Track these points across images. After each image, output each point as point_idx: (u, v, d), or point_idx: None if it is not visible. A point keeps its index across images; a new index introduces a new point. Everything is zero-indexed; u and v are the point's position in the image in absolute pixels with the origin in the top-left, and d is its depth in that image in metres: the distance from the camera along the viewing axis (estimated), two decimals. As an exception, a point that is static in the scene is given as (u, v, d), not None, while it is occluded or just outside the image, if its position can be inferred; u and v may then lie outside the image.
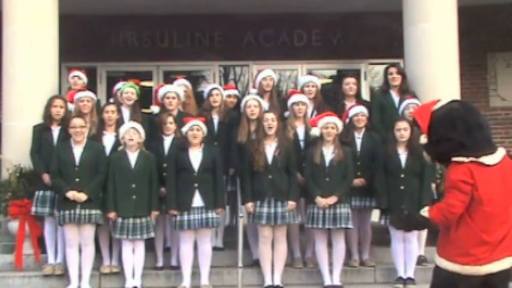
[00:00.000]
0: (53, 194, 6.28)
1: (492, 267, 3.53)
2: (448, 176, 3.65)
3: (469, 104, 3.76)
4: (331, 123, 6.18)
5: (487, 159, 3.56)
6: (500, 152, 3.64)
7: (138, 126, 6.25)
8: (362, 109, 6.61)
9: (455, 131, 3.59)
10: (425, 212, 3.72)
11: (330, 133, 6.16)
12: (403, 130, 6.18)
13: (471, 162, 3.54)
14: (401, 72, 7.11)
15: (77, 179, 6.04)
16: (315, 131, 6.27)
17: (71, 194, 5.97)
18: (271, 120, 6.17)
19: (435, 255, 3.71)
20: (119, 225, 6.07)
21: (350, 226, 6.19)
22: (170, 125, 6.42)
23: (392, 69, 7.09)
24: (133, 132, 6.18)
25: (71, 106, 6.68)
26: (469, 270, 3.53)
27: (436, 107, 3.72)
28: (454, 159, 3.58)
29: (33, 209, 6.37)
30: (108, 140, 6.46)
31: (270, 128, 6.16)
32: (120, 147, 6.31)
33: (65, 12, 7.36)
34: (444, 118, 3.64)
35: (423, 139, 3.76)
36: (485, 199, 3.52)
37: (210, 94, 6.92)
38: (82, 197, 5.98)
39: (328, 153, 6.19)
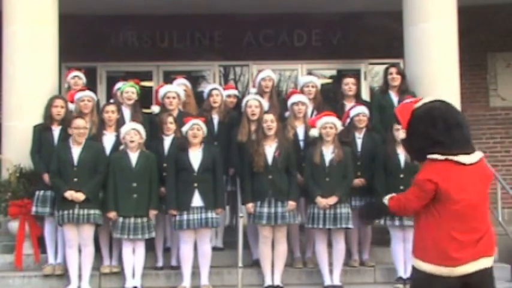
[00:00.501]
0: (53, 194, 6.28)
1: (467, 268, 3.51)
2: (418, 172, 3.69)
3: (450, 103, 3.78)
4: (329, 123, 6.18)
5: (464, 158, 3.58)
6: (478, 154, 3.66)
7: (139, 126, 6.25)
8: (363, 109, 6.61)
9: (434, 129, 3.62)
10: (386, 199, 3.82)
11: (329, 133, 6.17)
12: (401, 130, 6.17)
13: (446, 160, 3.57)
14: (401, 73, 7.12)
15: (75, 179, 6.04)
16: (314, 132, 6.27)
17: (69, 194, 5.97)
18: (270, 121, 6.17)
19: (412, 257, 3.70)
20: (119, 224, 6.07)
21: (350, 226, 6.20)
22: (170, 125, 6.43)
23: (392, 69, 7.09)
24: (134, 133, 6.18)
25: (71, 106, 6.68)
26: (444, 271, 3.52)
27: (418, 104, 3.76)
28: (429, 156, 3.61)
29: (34, 209, 6.37)
30: (108, 140, 6.46)
31: (269, 129, 6.16)
32: (121, 147, 6.32)
33: (65, 12, 7.36)
34: (424, 115, 3.68)
35: (402, 134, 3.83)
36: (456, 198, 3.53)
37: (210, 94, 6.92)
38: (80, 196, 5.98)
39: (328, 153, 6.20)
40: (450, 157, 3.57)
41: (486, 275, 3.61)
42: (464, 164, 3.58)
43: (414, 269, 3.69)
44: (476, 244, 3.55)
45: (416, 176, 3.69)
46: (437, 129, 3.61)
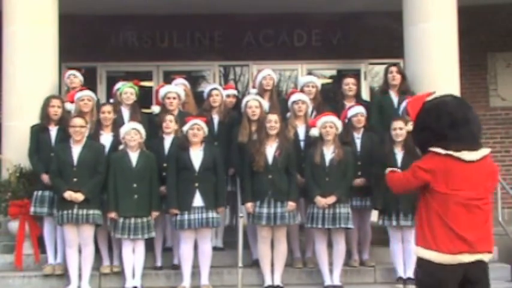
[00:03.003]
0: (51, 194, 6.28)
1: (466, 258, 3.58)
2: (419, 160, 3.80)
3: (461, 99, 3.85)
4: (329, 122, 6.18)
5: (467, 155, 3.61)
6: (483, 151, 3.69)
7: (139, 126, 6.25)
8: (361, 109, 6.61)
9: (438, 123, 3.67)
10: (387, 170, 4.01)
11: (329, 132, 6.16)
12: (398, 129, 6.19)
13: (447, 155, 3.61)
14: (402, 73, 7.11)
15: (75, 179, 6.04)
16: (314, 131, 6.27)
17: (68, 194, 5.97)
18: (274, 121, 6.17)
19: (415, 248, 3.80)
20: (120, 225, 6.07)
21: (350, 226, 6.19)
22: (170, 123, 6.42)
23: (393, 69, 7.09)
24: (134, 133, 6.18)
25: (70, 106, 6.68)
26: (443, 258, 3.58)
27: (430, 98, 3.85)
28: (431, 149, 3.67)
29: (32, 209, 6.37)
30: (105, 140, 6.45)
31: (272, 129, 6.16)
32: (121, 147, 6.31)
33: (65, 12, 7.36)
34: (432, 108, 3.75)
35: (410, 126, 3.89)
36: (453, 193, 3.59)
37: (209, 94, 6.92)
38: (79, 197, 5.97)
39: (329, 152, 6.19)
40: (451, 152, 3.61)
41: (483, 269, 3.68)
42: (466, 161, 3.61)
43: (418, 258, 3.76)
44: (473, 239, 3.59)
45: (415, 162, 3.79)
46: (441, 123, 3.66)
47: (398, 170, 4.05)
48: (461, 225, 3.59)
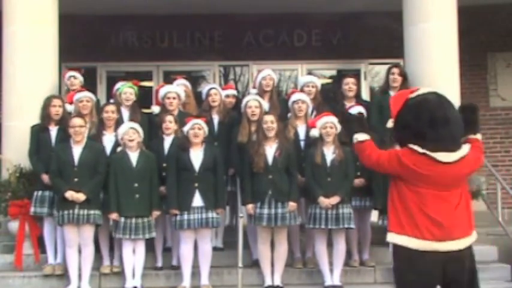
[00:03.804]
0: (51, 194, 6.28)
1: (442, 246, 3.54)
2: (399, 148, 3.77)
3: (444, 97, 3.77)
4: (329, 122, 6.18)
5: (442, 156, 3.59)
6: (461, 152, 3.65)
7: (137, 125, 6.25)
8: (360, 109, 6.60)
9: (418, 121, 3.64)
10: (363, 136, 3.91)
11: (329, 133, 6.16)
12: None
13: (423, 154, 3.60)
14: (403, 74, 7.10)
15: (76, 179, 6.03)
16: (315, 132, 6.27)
17: (69, 194, 5.97)
18: (270, 122, 6.17)
19: (388, 234, 3.73)
20: (121, 225, 6.06)
21: (352, 226, 6.19)
22: (169, 124, 6.42)
23: (395, 70, 7.10)
24: (132, 133, 6.18)
25: (70, 107, 6.68)
26: (419, 244, 3.54)
27: (413, 95, 3.79)
28: (410, 145, 3.65)
29: (32, 209, 6.36)
30: (107, 140, 6.46)
31: (269, 130, 6.15)
32: (120, 148, 6.31)
33: (65, 12, 7.36)
34: (413, 106, 3.71)
35: (390, 123, 3.88)
36: (427, 187, 3.58)
37: (208, 94, 6.92)
38: (80, 197, 5.97)
39: (329, 153, 6.19)
40: (427, 152, 3.59)
41: (464, 261, 3.60)
42: (442, 162, 3.59)
43: (393, 247, 3.71)
44: (446, 223, 3.55)
45: (395, 148, 3.79)
46: (421, 121, 3.63)
47: (366, 136, 3.93)
48: (434, 211, 3.56)
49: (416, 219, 3.57)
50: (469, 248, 3.66)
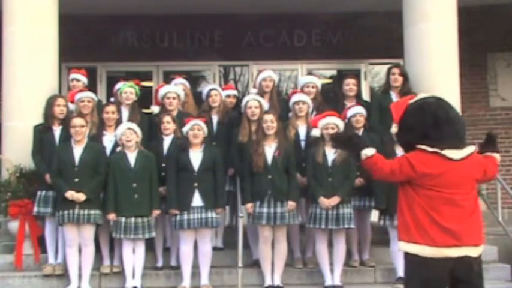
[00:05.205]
0: (55, 194, 6.27)
1: (450, 252, 3.60)
2: (407, 153, 3.82)
3: (443, 100, 3.89)
4: (331, 123, 6.18)
5: (451, 153, 3.68)
6: (468, 149, 3.75)
7: (134, 126, 6.25)
8: (360, 109, 6.61)
9: (422, 123, 3.75)
10: (370, 151, 3.89)
11: (331, 133, 6.16)
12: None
13: (433, 152, 3.67)
14: (404, 74, 7.09)
15: (76, 179, 6.04)
16: (316, 132, 6.27)
17: (70, 194, 5.97)
18: (270, 121, 6.17)
19: (398, 243, 3.81)
20: (121, 225, 6.07)
21: (352, 226, 6.19)
22: (168, 125, 6.42)
23: (395, 70, 7.09)
24: (130, 133, 6.18)
25: (71, 106, 6.68)
26: (427, 251, 3.61)
27: (413, 100, 3.92)
28: (418, 146, 3.73)
29: (35, 209, 6.37)
30: (108, 140, 6.46)
31: (269, 129, 6.16)
32: (118, 148, 6.31)
33: (65, 12, 7.36)
34: (415, 109, 3.83)
35: (394, 129, 3.99)
36: (440, 188, 3.64)
37: (208, 95, 6.93)
38: (81, 197, 5.97)
39: (331, 153, 6.19)
40: (437, 150, 3.67)
41: (471, 265, 3.67)
42: (451, 159, 3.67)
43: (404, 255, 3.78)
44: (458, 231, 3.61)
45: (404, 154, 3.83)
46: (425, 123, 3.74)
47: (373, 150, 3.92)
48: (447, 218, 3.62)
49: (427, 227, 3.63)
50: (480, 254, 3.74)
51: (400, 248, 3.80)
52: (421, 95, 3.98)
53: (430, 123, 3.72)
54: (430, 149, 3.68)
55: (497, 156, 3.99)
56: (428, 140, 3.70)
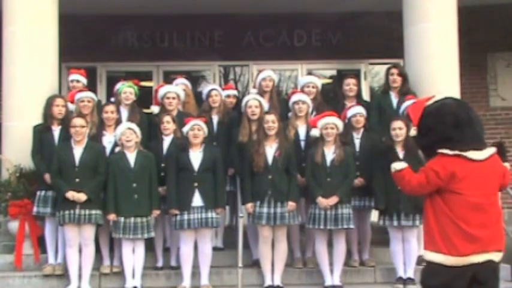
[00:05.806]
0: (54, 194, 6.27)
1: (474, 259, 3.60)
2: (429, 162, 3.80)
3: (461, 101, 3.91)
4: (330, 123, 6.18)
5: (474, 154, 3.65)
6: (489, 150, 3.73)
7: (134, 126, 6.25)
8: (360, 109, 6.61)
9: (443, 125, 3.70)
10: (402, 165, 3.93)
11: (330, 133, 6.16)
12: (398, 129, 6.19)
13: (455, 155, 3.64)
14: (403, 74, 7.09)
15: (77, 179, 6.04)
16: (315, 132, 6.27)
17: (70, 195, 5.97)
18: (271, 121, 6.17)
19: (424, 252, 3.82)
20: (121, 225, 6.07)
21: (351, 226, 6.19)
22: (167, 125, 6.42)
23: (394, 70, 7.08)
24: (129, 133, 6.18)
25: (71, 106, 6.68)
26: (452, 261, 3.60)
27: (430, 102, 3.87)
28: (439, 150, 3.69)
29: (35, 209, 6.37)
30: (107, 141, 6.46)
31: (270, 130, 6.16)
32: (118, 148, 6.31)
33: (65, 12, 7.36)
34: (434, 111, 3.78)
35: (413, 131, 3.95)
36: (465, 192, 3.62)
37: (209, 95, 6.92)
38: (81, 197, 5.97)
39: (330, 153, 6.19)
40: (459, 152, 3.63)
41: (493, 268, 3.69)
42: (474, 160, 3.63)
43: (427, 262, 3.78)
44: (484, 237, 3.61)
45: (426, 164, 3.79)
46: (446, 125, 3.69)
47: (403, 164, 3.97)
48: (473, 224, 3.60)
49: (453, 237, 3.61)
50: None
51: (425, 257, 3.79)
52: (437, 97, 3.92)
53: (451, 124, 3.68)
54: (451, 152, 3.64)
55: (507, 165, 3.96)
56: (449, 142, 3.65)
